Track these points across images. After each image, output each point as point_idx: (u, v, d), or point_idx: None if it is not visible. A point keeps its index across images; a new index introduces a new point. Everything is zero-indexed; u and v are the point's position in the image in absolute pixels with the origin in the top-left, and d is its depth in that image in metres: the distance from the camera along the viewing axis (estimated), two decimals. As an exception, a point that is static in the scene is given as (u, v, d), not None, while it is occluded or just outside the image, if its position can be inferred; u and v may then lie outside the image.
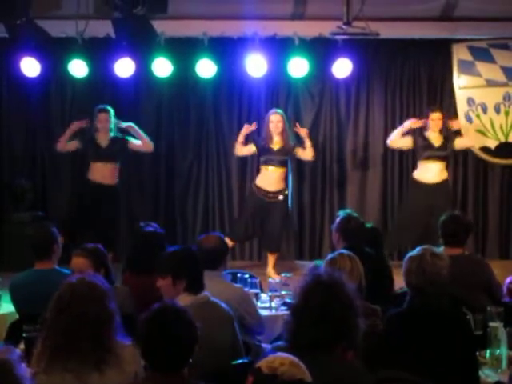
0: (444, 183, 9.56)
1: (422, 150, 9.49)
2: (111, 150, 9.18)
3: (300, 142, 9.33)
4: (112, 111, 9.21)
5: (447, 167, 9.73)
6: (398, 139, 9.61)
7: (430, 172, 9.47)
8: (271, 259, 9.21)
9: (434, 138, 9.50)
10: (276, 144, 9.08)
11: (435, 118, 9.47)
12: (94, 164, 9.20)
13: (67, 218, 9.52)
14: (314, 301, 3.35)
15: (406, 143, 9.62)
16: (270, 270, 9.05)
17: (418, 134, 9.65)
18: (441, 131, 9.56)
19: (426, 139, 9.51)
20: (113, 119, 9.20)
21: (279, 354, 2.88)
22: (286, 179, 9.22)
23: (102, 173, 9.17)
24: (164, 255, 4.63)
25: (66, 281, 3.60)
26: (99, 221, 9.06)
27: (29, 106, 10.31)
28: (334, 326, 3.31)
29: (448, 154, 9.62)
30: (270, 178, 9.09)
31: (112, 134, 9.21)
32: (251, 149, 9.29)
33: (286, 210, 9.28)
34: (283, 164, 9.13)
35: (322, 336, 3.30)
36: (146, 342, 3.21)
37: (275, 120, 9.06)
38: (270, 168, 9.09)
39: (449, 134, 9.63)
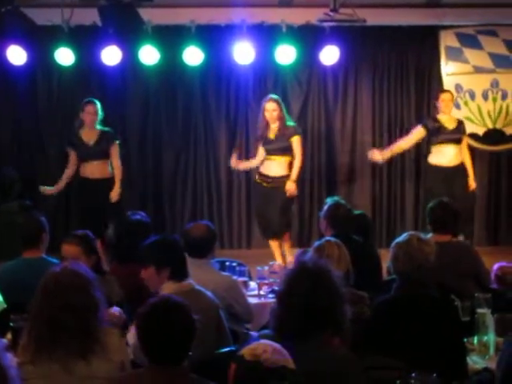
0: (461, 166, 8.94)
1: (434, 133, 8.92)
2: (100, 147, 8.62)
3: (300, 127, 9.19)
4: (99, 104, 8.67)
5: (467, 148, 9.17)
6: (409, 142, 9.29)
7: (445, 156, 8.88)
8: (274, 247, 8.78)
9: (446, 120, 8.93)
10: (272, 132, 8.65)
11: (446, 99, 8.93)
12: (83, 163, 8.67)
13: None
14: (300, 288, 3.34)
15: (420, 135, 9.12)
16: (278, 256, 8.61)
17: (428, 117, 9.44)
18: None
19: (437, 122, 8.93)
20: (100, 112, 8.67)
21: (262, 341, 2.88)
22: (290, 167, 8.67)
23: (92, 170, 8.65)
24: (144, 246, 4.60)
25: (50, 270, 3.57)
26: (90, 209, 8.85)
27: (15, 94, 10.27)
28: (319, 313, 3.31)
29: (462, 137, 9.00)
30: (271, 167, 8.68)
31: (99, 128, 8.67)
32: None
33: (286, 200, 8.70)
34: (284, 151, 8.61)
35: (307, 323, 3.30)
36: (145, 336, 3.20)
37: (270, 109, 8.60)
38: (272, 157, 8.66)
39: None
